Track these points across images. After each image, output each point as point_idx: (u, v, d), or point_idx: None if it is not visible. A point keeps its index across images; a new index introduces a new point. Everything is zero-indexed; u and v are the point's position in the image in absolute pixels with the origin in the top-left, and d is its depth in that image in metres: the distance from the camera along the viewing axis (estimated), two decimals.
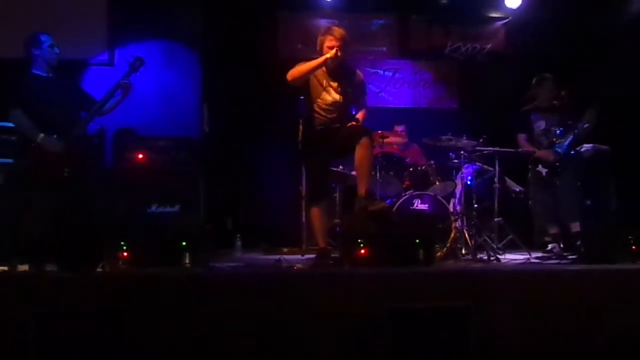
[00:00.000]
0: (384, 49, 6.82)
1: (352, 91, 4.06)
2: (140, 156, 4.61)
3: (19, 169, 4.08)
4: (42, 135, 3.80)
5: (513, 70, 6.36)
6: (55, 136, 3.83)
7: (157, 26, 5.59)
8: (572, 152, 4.76)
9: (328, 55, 3.90)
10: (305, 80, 3.97)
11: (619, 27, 6.03)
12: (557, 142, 4.76)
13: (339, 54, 3.90)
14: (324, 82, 4.01)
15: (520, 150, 4.98)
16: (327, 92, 4.01)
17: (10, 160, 4.27)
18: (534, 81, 4.98)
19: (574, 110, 4.83)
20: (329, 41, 3.93)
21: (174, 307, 3.03)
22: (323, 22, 6.56)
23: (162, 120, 5.36)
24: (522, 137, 4.94)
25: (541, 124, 4.90)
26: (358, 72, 4.19)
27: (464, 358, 3.04)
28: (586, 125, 4.67)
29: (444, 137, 5.06)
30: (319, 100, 4.01)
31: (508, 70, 6.46)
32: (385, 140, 5.29)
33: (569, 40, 6.29)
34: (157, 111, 5.37)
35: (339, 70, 4.02)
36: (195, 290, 3.13)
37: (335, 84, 4.02)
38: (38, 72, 3.97)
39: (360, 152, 3.84)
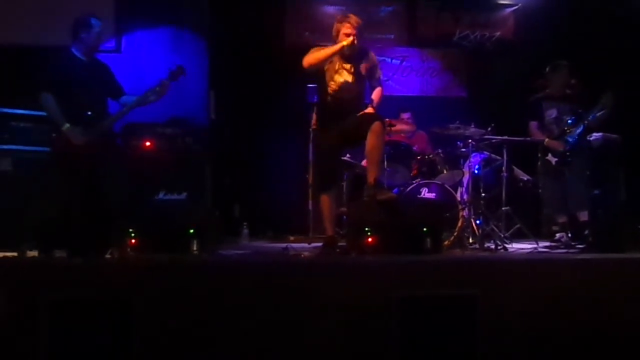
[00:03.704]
0: (392, 36, 6.77)
1: (366, 69, 4.04)
2: (148, 143, 4.62)
3: (30, 155, 4.08)
4: (67, 125, 3.76)
5: (522, 58, 6.32)
6: (80, 128, 3.78)
7: (164, 13, 5.56)
8: (582, 141, 4.72)
9: (345, 43, 3.91)
10: (320, 67, 3.96)
11: (630, 14, 5.95)
12: (568, 131, 4.73)
13: (355, 42, 3.90)
14: (337, 65, 4.01)
15: (528, 138, 4.95)
16: (340, 74, 4.01)
17: (20, 147, 4.29)
18: (547, 68, 4.93)
19: (585, 99, 4.79)
20: (346, 28, 3.94)
21: (182, 294, 3.04)
22: (330, 9, 6.52)
23: (169, 108, 5.34)
24: (533, 125, 4.90)
25: (552, 112, 4.86)
26: (371, 52, 4.17)
27: (472, 346, 3.04)
28: (601, 112, 4.62)
29: (452, 126, 5.04)
30: (331, 82, 4.01)
31: (517, 58, 6.42)
32: (393, 128, 5.27)
33: (579, 27, 6.22)
34: (164, 98, 5.35)
35: (352, 55, 4.01)
36: (202, 277, 3.14)
37: (348, 66, 4.02)
38: (76, 53, 3.92)
39: (372, 139, 3.84)
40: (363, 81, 4.07)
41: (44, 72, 3.90)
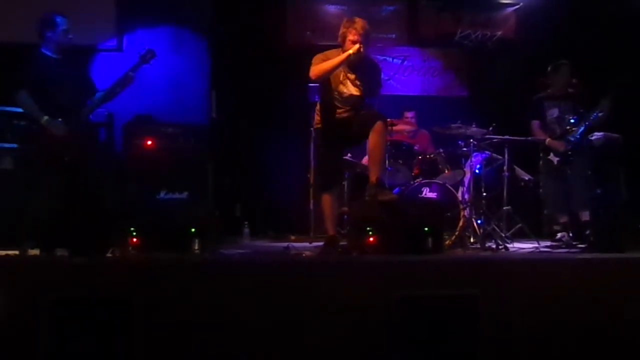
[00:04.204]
0: (393, 35, 6.77)
1: (369, 82, 4.00)
2: (149, 143, 4.63)
3: (28, 154, 4.09)
4: (46, 117, 3.78)
5: (523, 57, 6.31)
6: (59, 120, 3.81)
7: (166, 12, 5.57)
8: (584, 140, 4.72)
9: (351, 52, 3.85)
10: (328, 77, 3.94)
11: (631, 14, 5.94)
12: (570, 130, 4.73)
13: (362, 50, 3.85)
14: (342, 75, 3.97)
15: (530, 138, 4.96)
16: (344, 84, 3.98)
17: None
18: (550, 68, 4.93)
19: (586, 99, 4.79)
20: (352, 35, 3.88)
21: (182, 293, 3.04)
22: (332, 9, 6.53)
23: (171, 107, 5.35)
24: (535, 124, 4.91)
25: (554, 112, 4.86)
26: (377, 63, 4.16)
27: (472, 346, 3.04)
28: (600, 114, 4.64)
29: (453, 125, 5.04)
30: (335, 92, 3.99)
31: (518, 57, 6.41)
32: (394, 128, 5.26)
33: (580, 27, 6.22)
34: (165, 98, 5.37)
35: (357, 63, 3.96)
36: (203, 276, 3.14)
37: (352, 76, 3.98)
38: (47, 52, 3.92)
39: (373, 138, 3.84)
40: (366, 93, 4.02)
41: (17, 70, 3.91)
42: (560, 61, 4.93)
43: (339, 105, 3.99)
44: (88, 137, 3.93)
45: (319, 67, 3.90)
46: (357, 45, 3.84)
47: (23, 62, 3.95)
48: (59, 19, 3.92)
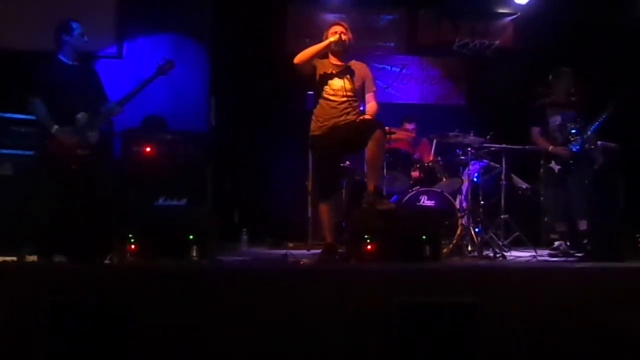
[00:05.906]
0: (392, 44, 6.81)
1: (361, 82, 4.08)
2: (148, 149, 4.64)
3: (30, 160, 4.09)
4: (56, 127, 3.79)
5: (521, 66, 6.35)
6: (69, 128, 3.82)
7: (166, 19, 5.59)
8: (584, 150, 4.74)
9: (332, 39, 3.98)
10: (310, 65, 3.99)
11: (629, 22, 5.98)
12: (572, 139, 4.74)
13: (343, 37, 3.99)
14: (331, 72, 4.04)
15: (527, 147, 4.96)
16: (334, 81, 4.03)
17: (20, 152, 4.30)
18: (551, 75, 4.94)
19: (585, 108, 4.80)
20: (334, 28, 4.06)
21: (180, 300, 3.04)
22: (330, 17, 6.55)
23: (170, 113, 5.36)
24: (535, 130, 4.89)
25: (557, 119, 4.85)
26: (364, 64, 4.22)
27: (472, 353, 3.04)
28: (603, 119, 4.64)
29: (451, 134, 5.05)
30: (326, 88, 4.02)
31: (516, 66, 6.45)
32: (394, 136, 5.28)
33: (578, 36, 6.26)
34: (164, 104, 5.37)
35: (345, 61, 4.07)
36: (202, 283, 3.14)
37: (342, 75, 4.04)
38: (63, 59, 3.95)
39: (372, 147, 3.85)
40: (357, 91, 4.08)
41: (31, 77, 3.93)
42: (562, 68, 4.94)
43: (333, 106, 4.01)
44: (98, 146, 3.92)
45: (302, 52, 3.98)
46: (338, 31, 3.98)
47: (37, 69, 3.95)
48: (74, 24, 3.95)
